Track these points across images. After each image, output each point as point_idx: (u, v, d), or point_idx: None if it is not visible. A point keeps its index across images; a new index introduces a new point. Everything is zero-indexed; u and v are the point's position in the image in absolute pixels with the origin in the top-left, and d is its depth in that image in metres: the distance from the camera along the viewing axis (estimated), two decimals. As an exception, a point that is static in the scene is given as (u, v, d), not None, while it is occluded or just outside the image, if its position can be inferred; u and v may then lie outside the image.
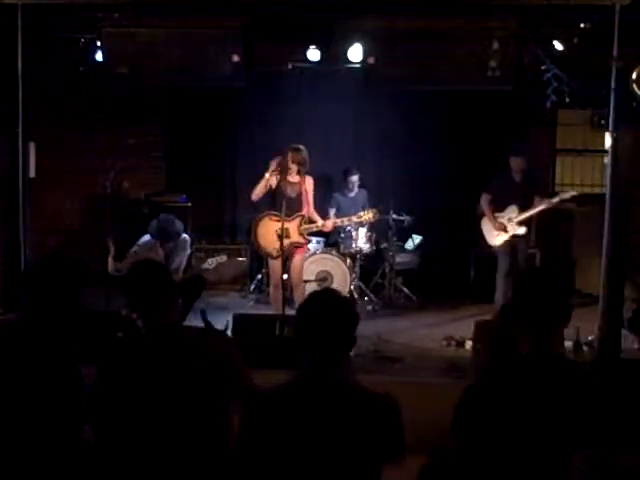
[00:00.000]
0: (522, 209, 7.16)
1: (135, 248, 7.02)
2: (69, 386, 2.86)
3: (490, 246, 7.34)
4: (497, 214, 7.28)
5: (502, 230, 7.22)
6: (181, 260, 6.96)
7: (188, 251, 7.07)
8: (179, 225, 7.04)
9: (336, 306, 2.44)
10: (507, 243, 7.22)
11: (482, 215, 7.41)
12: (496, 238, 7.26)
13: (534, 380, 2.37)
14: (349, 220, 7.01)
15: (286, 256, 6.47)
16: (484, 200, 7.35)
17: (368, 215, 6.88)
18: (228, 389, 2.79)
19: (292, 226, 6.48)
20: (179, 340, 2.86)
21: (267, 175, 6.40)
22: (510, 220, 7.20)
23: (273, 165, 6.42)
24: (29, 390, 2.76)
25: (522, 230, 7.17)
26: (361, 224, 7.64)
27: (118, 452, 2.79)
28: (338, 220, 7.02)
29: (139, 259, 6.73)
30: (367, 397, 2.39)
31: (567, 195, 7.14)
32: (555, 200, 7.08)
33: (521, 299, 2.48)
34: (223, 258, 8.23)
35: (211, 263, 8.28)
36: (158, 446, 2.73)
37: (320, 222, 6.66)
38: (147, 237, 7.08)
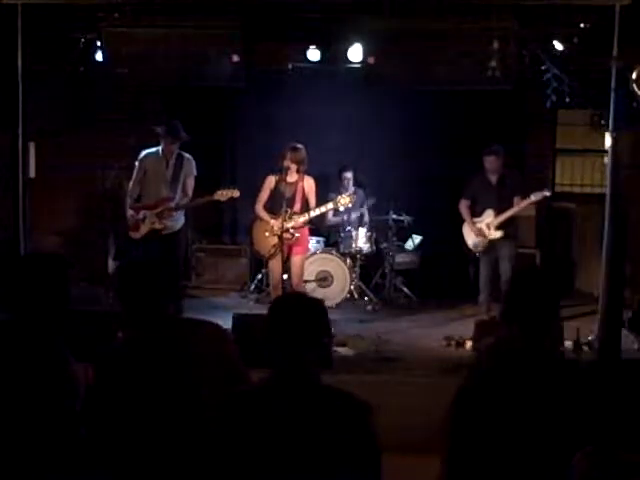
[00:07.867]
0: (499, 212, 7.08)
1: (141, 157, 6.83)
2: (60, 387, 2.83)
3: (471, 250, 7.32)
4: (475, 219, 7.23)
5: (480, 235, 7.16)
6: (189, 182, 6.80)
7: (194, 172, 6.87)
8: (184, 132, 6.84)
9: (305, 307, 2.45)
10: (487, 248, 7.18)
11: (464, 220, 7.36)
12: (476, 244, 7.23)
13: (529, 376, 2.39)
14: (325, 207, 6.70)
15: (281, 255, 6.47)
16: (462, 206, 7.30)
17: (345, 200, 6.65)
18: (226, 381, 2.78)
19: (277, 224, 6.47)
20: (176, 336, 2.86)
21: None
22: (488, 225, 7.13)
23: None
24: (20, 392, 2.72)
25: (498, 234, 7.07)
26: (351, 216, 7.60)
27: (114, 453, 2.77)
28: (317, 210, 6.64)
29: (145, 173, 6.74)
30: (337, 397, 2.40)
31: (538, 197, 7.00)
32: (524, 203, 7.03)
33: (512, 296, 2.55)
34: None
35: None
36: (156, 446, 2.72)
37: (302, 218, 6.51)
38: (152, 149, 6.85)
